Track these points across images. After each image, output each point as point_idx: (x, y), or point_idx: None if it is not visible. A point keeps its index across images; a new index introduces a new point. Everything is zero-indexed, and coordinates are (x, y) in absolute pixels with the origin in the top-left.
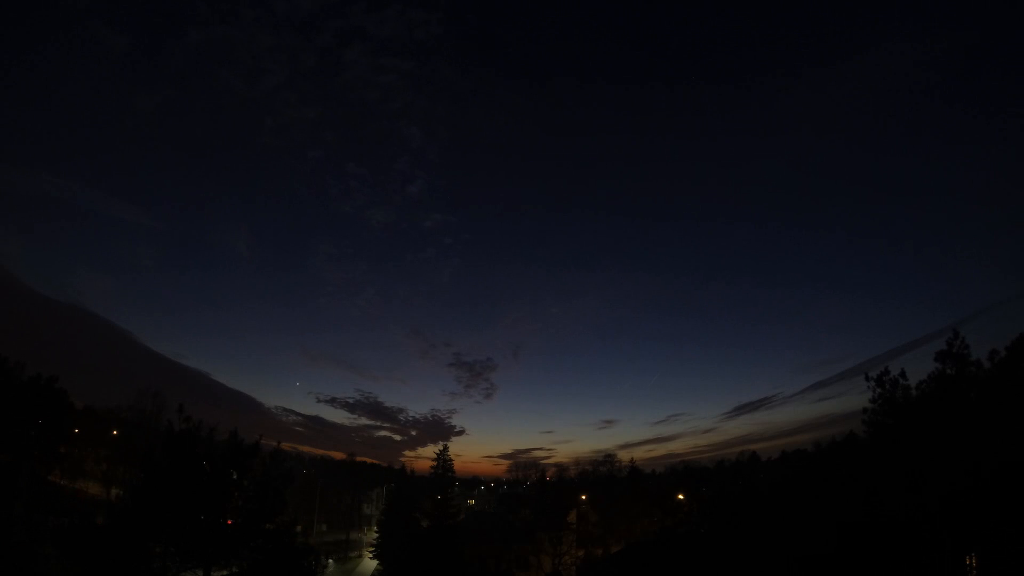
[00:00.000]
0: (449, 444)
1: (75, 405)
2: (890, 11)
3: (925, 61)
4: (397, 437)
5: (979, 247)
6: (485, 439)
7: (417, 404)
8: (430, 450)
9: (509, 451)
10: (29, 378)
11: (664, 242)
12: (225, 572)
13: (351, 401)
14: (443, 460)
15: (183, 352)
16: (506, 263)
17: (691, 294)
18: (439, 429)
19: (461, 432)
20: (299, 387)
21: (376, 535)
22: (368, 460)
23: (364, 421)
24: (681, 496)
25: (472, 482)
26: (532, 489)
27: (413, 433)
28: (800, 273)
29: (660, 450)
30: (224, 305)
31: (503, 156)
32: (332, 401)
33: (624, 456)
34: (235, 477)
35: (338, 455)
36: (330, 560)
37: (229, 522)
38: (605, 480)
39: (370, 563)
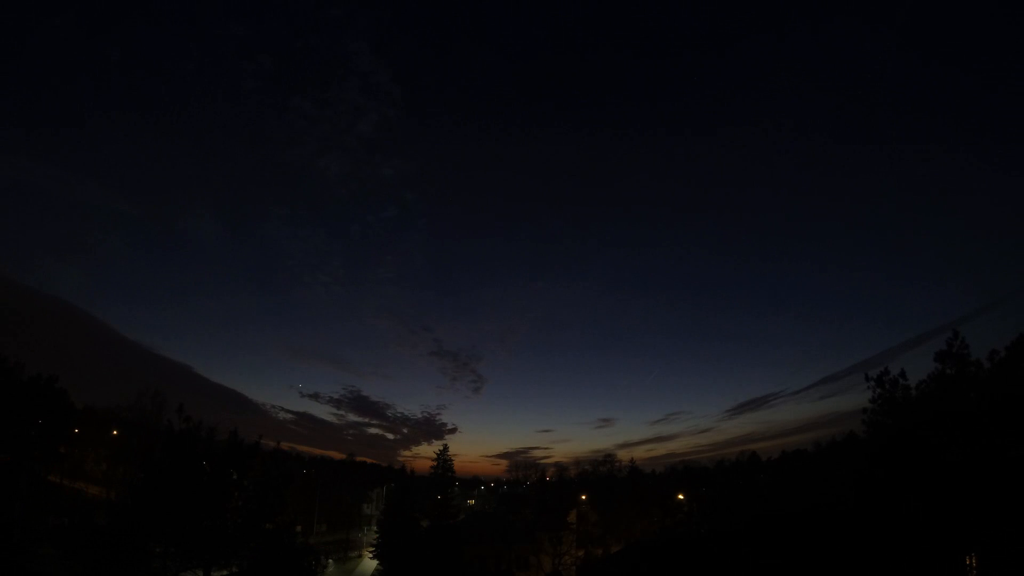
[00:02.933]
0: (445, 444)
1: (75, 405)
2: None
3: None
4: (390, 435)
5: (980, 247)
6: (480, 438)
7: (406, 401)
8: (428, 449)
9: (505, 451)
10: (29, 378)
11: (662, 230)
12: (225, 572)
13: (336, 397)
14: (443, 460)
15: (158, 344)
16: (482, 230)
17: (691, 287)
18: (431, 427)
19: (454, 430)
20: (293, 387)
21: (376, 535)
22: (368, 460)
23: (353, 418)
24: (681, 496)
25: (472, 482)
26: (532, 489)
27: (405, 431)
28: (803, 270)
29: (660, 450)
30: (191, 290)
31: (472, 85)
32: (316, 396)
33: (624, 456)
34: (235, 477)
35: (337, 455)
36: (330, 560)
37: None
38: (605, 480)
39: (370, 563)
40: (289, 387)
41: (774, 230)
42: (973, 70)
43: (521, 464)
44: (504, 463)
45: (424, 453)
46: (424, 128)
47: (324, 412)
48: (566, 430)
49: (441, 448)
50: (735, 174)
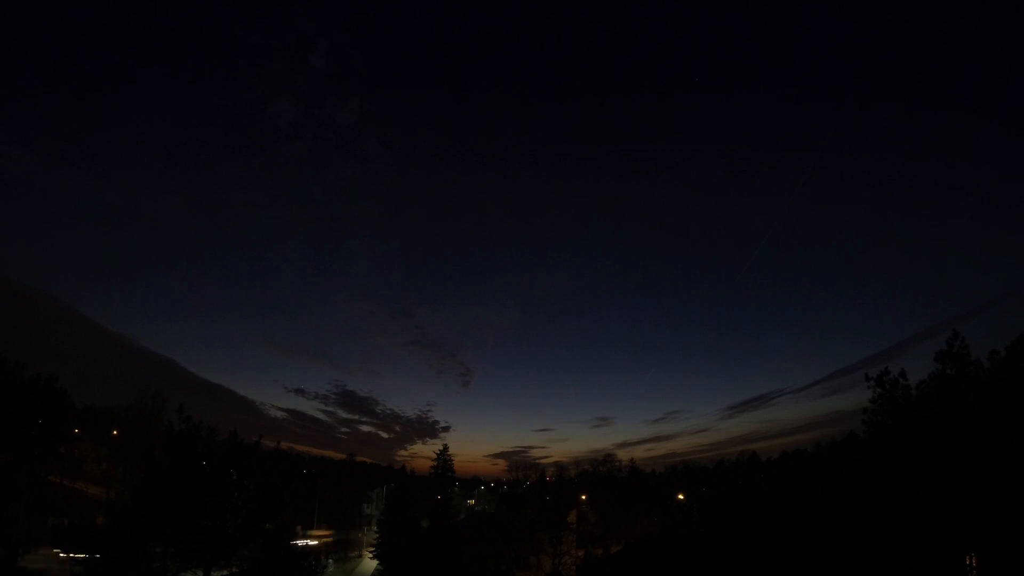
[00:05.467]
0: (445, 444)
1: (75, 405)
2: None
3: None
4: (384, 434)
5: (981, 247)
6: (475, 436)
7: (394, 397)
8: (426, 449)
9: (501, 450)
10: (29, 378)
11: (662, 225)
12: (225, 572)
13: (323, 393)
14: (443, 460)
15: (139, 336)
16: (457, 193)
17: (691, 281)
18: (423, 425)
19: (447, 428)
20: (279, 382)
21: (376, 535)
22: (367, 460)
23: (343, 414)
24: (681, 496)
25: (472, 482)
26: (532, 489)
27: (397, 428)
28: (805, 266)
29: (660, 449)
30: (165, 279)
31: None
32: (302, 392)
33: (623, 456)
34: (235, 477)
35: (336, 455)
36: (330, 560)
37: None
38: (605, 480)
39: (370, 563)
40: (274, 381)
41: (775, 230)
42: (970, 79)
43: (520, 464)
44: (503, 463)
45: (422, 453)
46: (383, 59)
47: (312, 408)
48: (563, 429)
49: (441, 448)
50: (736, 175)
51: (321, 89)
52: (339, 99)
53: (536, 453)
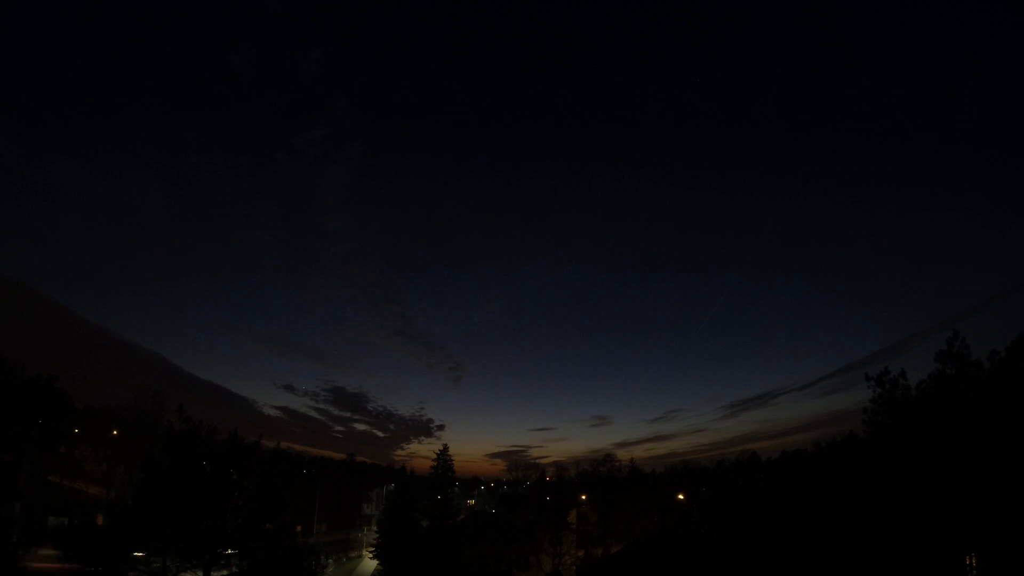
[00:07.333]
0: (445, 444)
1: (75, 405)
2: None
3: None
4: (380, 433)
5: (983, 246)
6: (471, 436)
7: (386, 394)
8: (425, 449)
9: (498, 450)
10: (29, 378)
11: (661, 214)
12: (225, 572)
13: (313, 390)
14: (443, 460)
15: (125, 330)
16: (435, 164)
17: (689, 280)
18: (418, 424)
19: (442, 427)
20: (267, 379)
21: (376, 535)
22: (367, 460)
23: (335, 412)
24: (681, 496)
25: (472, 482)
26: (532, 489)
27: (391, 427)
28: (806, 266)
29: (660, 449)
30: (145, 270)
31: None
32: (291, 389)
33: (623, 455)
34: (235, 477)
35: (336, 455)
36: (330, 560)
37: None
38: (605, 480)
39: (370, 563)
40: (263, 377)
41: (775, 230)
42: (968, 80)
43: (519, 464)
44: (502, 463)
45: (420, 452)
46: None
47: (303, 406)
48: (562, 428)
49: (441, 448)
50: (737, 177)
51: (277, 32)
52: (300, 44)
53: (535, 453)
